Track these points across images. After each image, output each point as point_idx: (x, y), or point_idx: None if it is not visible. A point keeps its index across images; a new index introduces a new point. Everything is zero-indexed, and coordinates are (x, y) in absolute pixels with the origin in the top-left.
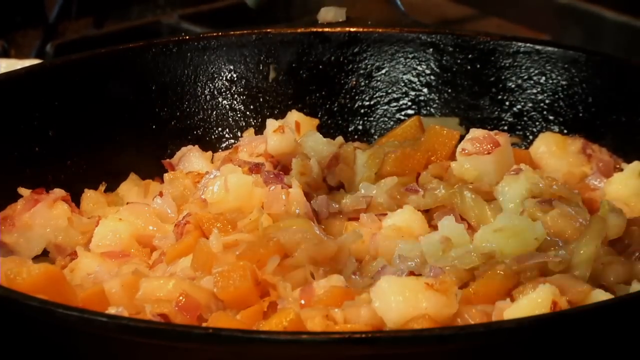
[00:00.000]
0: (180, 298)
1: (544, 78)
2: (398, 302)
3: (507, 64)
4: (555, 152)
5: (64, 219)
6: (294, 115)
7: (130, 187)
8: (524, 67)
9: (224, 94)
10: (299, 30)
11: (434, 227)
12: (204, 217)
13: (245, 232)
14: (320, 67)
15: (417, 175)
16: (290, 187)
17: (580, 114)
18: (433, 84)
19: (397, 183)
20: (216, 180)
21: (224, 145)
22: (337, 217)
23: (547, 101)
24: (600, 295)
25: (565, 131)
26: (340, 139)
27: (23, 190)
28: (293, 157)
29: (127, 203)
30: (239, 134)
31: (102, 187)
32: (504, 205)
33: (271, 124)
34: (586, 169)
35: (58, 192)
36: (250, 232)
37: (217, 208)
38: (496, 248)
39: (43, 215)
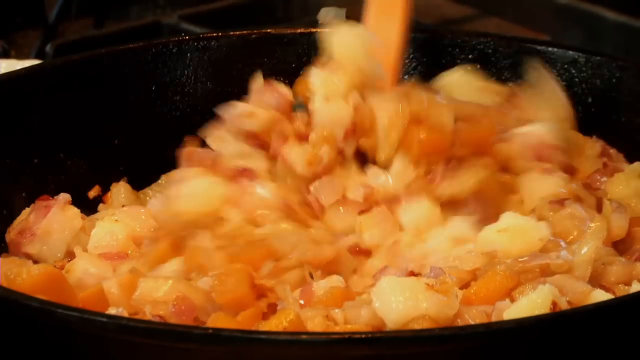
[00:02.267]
0: (176, 302)
1: None
2: (398, 303)
3: (507, 64)
4: None
5: (78, 220)
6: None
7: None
8: (523, 68)
9: (224, 94)
10: (299, 31)
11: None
12: (175, 227)
13: (229, 238)
14: None
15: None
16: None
17: (580, 114)
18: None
19: (416, 172)
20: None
21: None
22: (347, 206)
23: None
24: (600, 296)
25: None
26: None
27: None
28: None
29: (123, 206)
30: None
31: (118, 182)
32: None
33: None
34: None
35: (63, 196)
36: (234, 238)
37: (185, 219)
38: (500, 248)
39: (58, 219)
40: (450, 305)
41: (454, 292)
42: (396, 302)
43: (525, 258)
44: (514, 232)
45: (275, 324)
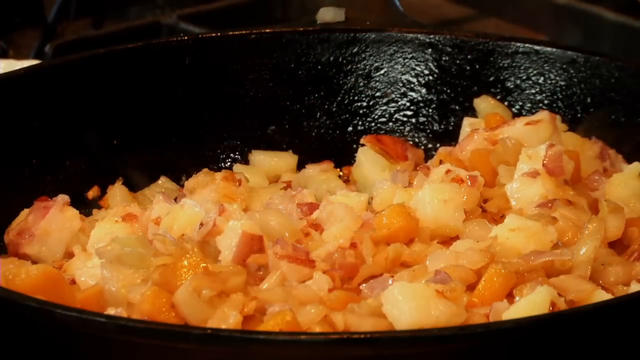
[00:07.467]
0: None
1: (542, 78)
2: (411, 309)
3: (506, 65)
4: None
5: (77, 221)
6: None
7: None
8: (522, 68)
9: (222, 94)
10: (297, 31)
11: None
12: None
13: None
14: (319, 67)
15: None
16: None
17: (579, 115)
18: (431, 84)
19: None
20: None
21: (222, 144)
22: None
23: (545, 101)
24: (603, 295)
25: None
26: None
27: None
28: None
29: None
30: (237, 133)
31: (114, 185)
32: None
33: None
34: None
35: (62, 197)
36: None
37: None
38: (512, 246)
39: (57, 220)
40: (460, 314)
41: (463, 299)
42: (408, 308)
43: (531, 256)
44: (527, 232)
45: (272, 325)
